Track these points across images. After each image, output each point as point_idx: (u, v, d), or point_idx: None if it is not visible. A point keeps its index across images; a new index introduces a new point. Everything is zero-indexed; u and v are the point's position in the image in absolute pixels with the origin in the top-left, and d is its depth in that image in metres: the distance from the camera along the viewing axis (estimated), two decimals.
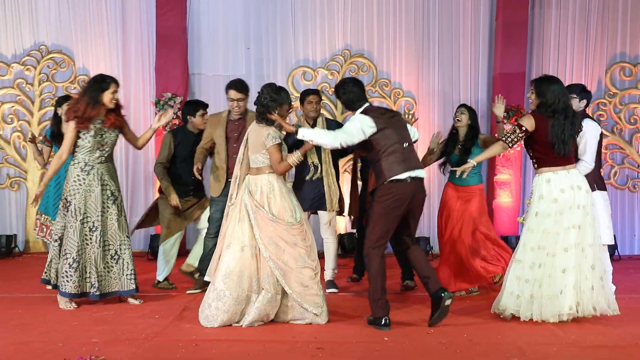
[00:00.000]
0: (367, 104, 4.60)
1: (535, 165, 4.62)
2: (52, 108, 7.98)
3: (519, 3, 7.78)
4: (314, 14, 8.08)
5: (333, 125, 5.65)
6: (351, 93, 4.57)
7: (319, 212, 5.59)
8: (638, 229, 8.05)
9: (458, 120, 5.51)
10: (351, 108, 4.61)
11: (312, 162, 5.45)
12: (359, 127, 4.41)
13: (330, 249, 5.59)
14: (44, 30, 8.07)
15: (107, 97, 4.86)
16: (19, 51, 8.08)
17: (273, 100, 4.48)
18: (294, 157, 4.46)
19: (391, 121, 4.50)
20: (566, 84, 8.41)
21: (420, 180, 4.50)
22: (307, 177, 5.47)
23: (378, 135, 4.42)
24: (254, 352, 3.80)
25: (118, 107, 5.00)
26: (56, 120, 5.97)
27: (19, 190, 8.10)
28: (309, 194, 5.47)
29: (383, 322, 4.30)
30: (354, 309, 4.93)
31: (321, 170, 5.49)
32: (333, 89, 4.79)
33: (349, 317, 4.68)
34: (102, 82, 4.89)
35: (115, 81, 4.95)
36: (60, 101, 5.92)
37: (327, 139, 4.45)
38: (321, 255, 4.98)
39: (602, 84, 8.04)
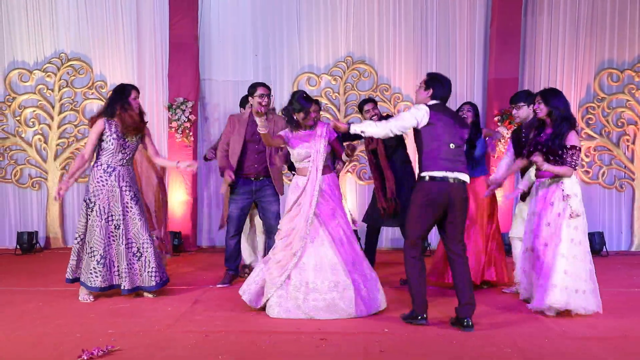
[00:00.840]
0: (439, 103, 4.31)
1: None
2: (71, 112, 8.04)
3: (512, 12, 7.75)
4: (318, 23, 8.06)
5: None
6: (443, 89, 4.30)
7: None
8: (625, 227, 8.01)
9: (464, 117, 5.48)
10: (431, 97, 4.30)
11: None
12: (413, 113, 4.22)
13: None
14: (63, 39, 8.07)
15: (132, 104, 4.92)
16: (40, 59, 8.09)
17: (290, 103, 4.66)
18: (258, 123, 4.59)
19: (447, 120, 4.22)
20: (557, 88, 8.38)
21: (460, 182, 4.20)
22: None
23: (427, 127, 4.19)
24: (260, 343, 3.79)
25: (142, 113, 5.03)
26: None
27: (39, 189, 8.11)
28: None
29: (420, 318, 4.20)
30: None
31: None
32: (425, 77, 4.44)
33: None
34: (123, 90, 4.95)
35: (135, 88, 5.02)
36: None
37: (377, 128, 4.27)
38: None
39: (591, 89, 8.00)
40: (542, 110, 4.65)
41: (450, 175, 4.17)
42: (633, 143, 7.94)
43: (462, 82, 8.06)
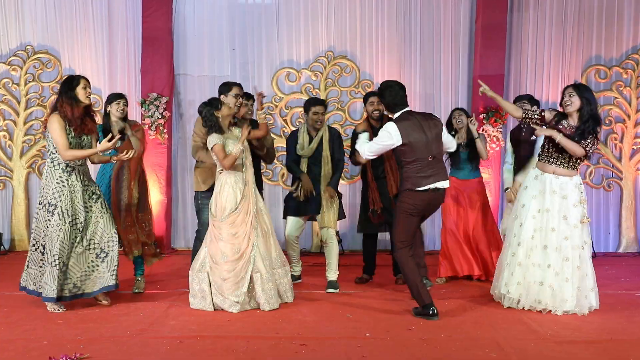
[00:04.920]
0: (406, 109, 4.74)
1: (576, 166, 4.83)
2: (38, 108, 7.94)
3: (497, 6, 7.81)
4: (298, 17, 8.05)
5: (336, 134, 5.80)
6: (397, 96, 4.71)
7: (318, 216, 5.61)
8: (613, 227, 8.11)
9: (459, 122, 5.94)
10: (391, 110, 4.76)
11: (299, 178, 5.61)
12: (384, 140, 4.63)
13: (332, 251, 5.59)
14: (30, 30, 7.96)
15: (80, 94, 4.77)
16: (5, 51, 7.97)
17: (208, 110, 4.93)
18: (236, 148, 4.79)
19: (420, 135, 4.59)
20: (544, 85, 8.43)
21: (440, 189, 4.69)
22: (294, 194, 5.59)
23: (403, 147, 4.60)
24: (237, 348, 3.79)
25: (91, 110, 4.92)
26: (107, 118, 5.57)
27: (4, 189, 8.00)
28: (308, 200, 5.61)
29: (431, 312, 4.49)
30: (337, 306, 4.92)
31: (317, 180, 5.60)
32: (378, 90, 4.93)
33: (332, 314, 4.68)
34: (71, 81, 4.82)
35: (84, 77, 4.88)
36: (111, 99, 5.55)
37: (362, 150, 4.76)
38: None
39: None
40: (575, 104, 4.71)
41: (431, 186, 4.63)
42: (621, 141, 8.05)
43: (447, 79, 8.10)
